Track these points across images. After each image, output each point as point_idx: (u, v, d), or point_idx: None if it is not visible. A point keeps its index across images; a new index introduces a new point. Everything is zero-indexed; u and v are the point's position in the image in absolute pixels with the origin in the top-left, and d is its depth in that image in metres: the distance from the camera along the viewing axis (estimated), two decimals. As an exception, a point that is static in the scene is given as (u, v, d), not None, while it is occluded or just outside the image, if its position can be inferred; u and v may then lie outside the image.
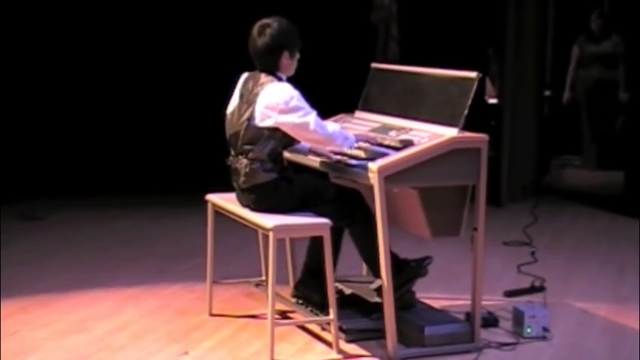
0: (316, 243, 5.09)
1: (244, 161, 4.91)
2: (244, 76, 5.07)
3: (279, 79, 4.92)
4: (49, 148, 9.17)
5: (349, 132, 5.03)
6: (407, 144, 4.80)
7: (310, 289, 5.27)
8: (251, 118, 4.86)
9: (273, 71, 4.93)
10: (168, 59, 9.49)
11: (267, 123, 4.84)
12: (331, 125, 4.95)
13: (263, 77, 4.92)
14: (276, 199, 4.91)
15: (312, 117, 4.81)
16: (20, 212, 7.92)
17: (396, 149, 4.80)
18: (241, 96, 4.98)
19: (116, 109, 9.47)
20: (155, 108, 9.52)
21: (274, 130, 4.85)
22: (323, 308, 5.03)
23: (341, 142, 4.90)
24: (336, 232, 4.93)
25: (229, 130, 5.04)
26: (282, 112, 4.80)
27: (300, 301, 5.34)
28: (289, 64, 4.96)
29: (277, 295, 4.99)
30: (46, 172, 8.91)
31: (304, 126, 4.79)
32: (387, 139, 4.98)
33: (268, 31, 4.89)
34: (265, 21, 4.94)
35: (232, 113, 5.03)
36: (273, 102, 4.81)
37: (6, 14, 8.95)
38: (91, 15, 9.31)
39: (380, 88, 5.62)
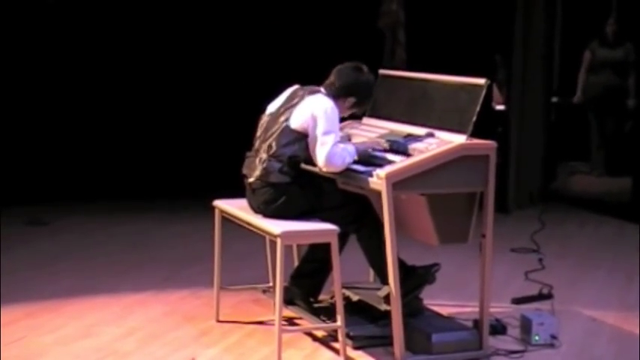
0: (315, 248, 5.11)
1: (264, 156, 4.98)
2: (295, 86, 5.18)
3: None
4: (56, 153, 9.16)
5: (349, 146, 5.04)
6: (396, 147, 4.91)
7: (297, 290, 5.33)
8: (288, 118, 4.97)
9: (330, 94, 5.04)
10: (174, 63, 9.48)
11: (299, 123, 4.92)
12: (340, 152, 4.89)
13: (319, 89, 5.07)
14: (285, 203, 4.93)
15: (331, 137, 4.86)
16: (26, 217, 7.92)
17: (386, 151, 4.93)
18: (287, 100, 5.09)
19: (122, 113, 9.46)
20: (161, 113, 9.51)
21: (304, 136, 4.92)
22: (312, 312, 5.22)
23: (340, 164, 4.88)
24: (340, 238, 4.92)
25: (262, 128, 5.12)
26: (315, 118, 4.90)
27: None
28: (345, 107, 5.12)
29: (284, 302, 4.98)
30: (52, 177, 8.90)
31: (320, 139, 4.85)
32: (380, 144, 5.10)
33: (360, 74, 5.10)
34: (365, 67, 5.15)
35: (271, 114, 5.12)
36: (314, 107, 4.93)
37: (17, 23, 8.97)
38: (96, 22, 9.31)
39: (387, 94, 5.61)
